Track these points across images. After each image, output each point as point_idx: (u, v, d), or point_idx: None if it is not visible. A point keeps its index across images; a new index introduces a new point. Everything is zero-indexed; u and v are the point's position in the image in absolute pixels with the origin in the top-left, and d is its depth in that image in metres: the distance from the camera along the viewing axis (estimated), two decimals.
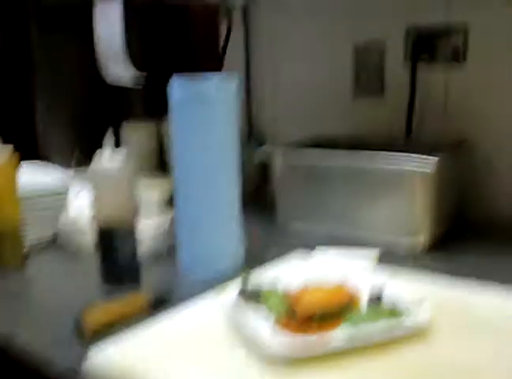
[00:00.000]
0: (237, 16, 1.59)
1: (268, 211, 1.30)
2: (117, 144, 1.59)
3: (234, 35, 1.60)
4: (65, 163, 1.59)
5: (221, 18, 1.61)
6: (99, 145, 1.67)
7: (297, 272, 0.91)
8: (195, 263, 1.02)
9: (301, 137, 1.34)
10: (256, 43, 1.59)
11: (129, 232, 0.97)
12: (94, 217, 0.97)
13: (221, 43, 1.63)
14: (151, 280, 1.00)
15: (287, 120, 1.56)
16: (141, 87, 1.51)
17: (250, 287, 0.82)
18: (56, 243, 1.21)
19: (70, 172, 1.51)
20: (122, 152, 0.96)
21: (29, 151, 1.67)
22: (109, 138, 0.95)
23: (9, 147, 1.06)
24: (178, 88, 0.97)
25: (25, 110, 1.78)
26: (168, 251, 1.11)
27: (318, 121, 1.49)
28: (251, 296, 0.80)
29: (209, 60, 1.67)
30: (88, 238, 1.14)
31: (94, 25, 1.39)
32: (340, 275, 0.84)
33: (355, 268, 0.93)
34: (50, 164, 1.45)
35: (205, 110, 0.96)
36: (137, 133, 1.60)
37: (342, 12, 1.41)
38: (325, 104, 1.49)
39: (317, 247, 1.08)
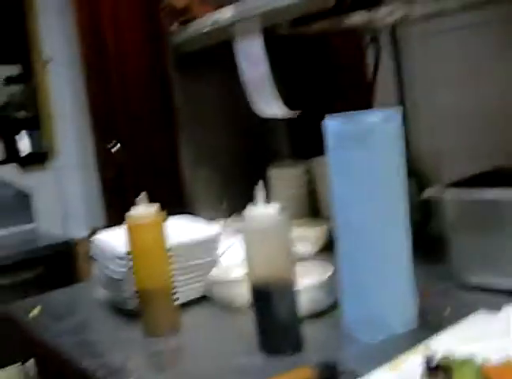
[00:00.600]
0: (385, 39, 1.45)
1: (434, 259, 1.13)
2: (265, 190, 1.54)
3: (383, 60, 1.47)
4: (212, 212, 1.54)
5: (367, 43, 1.48)
6: (247, 192, 1.61)
7: (488, 338, 0.75)
8: (361, 323, 0.90)
9: (468, 171, 1.16)
10: (409, 68, 1.44)
11: (288, 292, 0.87)
12: (248, 276, 0.88)
13: (369, 70, 1.50)
14: (313, 346, 0.88)
15: (448, 151, 1.39)
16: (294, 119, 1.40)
17: (436, 358, 0.67)
18: (207, 298, 1.14)
19: (219, 222, 1.45)
20: (275, 206, 0.86)
21: (175, 202, 1.65)
22: (260, 191, 0.86)
23: (156, 205, 1.00)
24: (335, 128, 0.86)
25: (170, 159, 1.76)
26: (329, 308, 0.99)
27: (485, 150, 1.31)
28: (439, 369, 0.66)
29: (358, 90, 1.55)
30: (240, 292, 1.05)
31: (237, 64, 1.32)
32: None
33: None
34: (197, 216, 1.40)
35: (368, 153, 0.84)
36: (285, 177, 1.50)
37: (507, 21, 1.24)
38: (491, 131, 1.30)
39: (504, 305, 0.89)
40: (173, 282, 1.02)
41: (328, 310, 0.99)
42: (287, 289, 0.87)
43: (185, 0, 1.43)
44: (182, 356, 0.97)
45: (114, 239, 1.14)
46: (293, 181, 1.51)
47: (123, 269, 1.06)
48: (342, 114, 0.89)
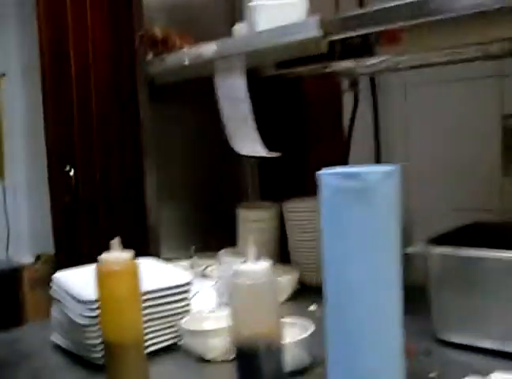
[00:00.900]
0: (364, 85, 1.44)
1: (411, 312, 1.09)
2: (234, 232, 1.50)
3: (360, 106, 1.45)
4: (177, 251, 1.48)
5: (346, 88, 1.47)
6: (214, 231, 1.55)
7: None
8: None
9: (442, 223, 1.15)
10: (387, 118, 1.43)
11: (275, 351, 0.82)
12: (231, 335, 0.83)
13: (345, 114, 1.48)
14: None
15: (424, 206, 1.38)
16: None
17: None
18: (175, 347, 1.07)
19: (185, 263, 1.39)
20: (266, 263, 0.81)
21: (136, 237, 1.58)
22: (252, 247, 0.81)
23: (130, 251, 0.93)
24: (333, 182, 0.82)
25: (131, 192, 1.70)
26: (309, 366, 0.95)
27: (463, 204, 1.31)
28: None
29: (333, 133, 1.53)
30: (214, 343, 1.01)
31: (217, 101, 1.27)
32: None
33: None
34: (160, 255, 1.34)
35: (368, 210, 0.80)
36: (254, 219, 1.45)
37: (487, 77, 1.25)
38: (469, 184, 1.31)
39: (493, 373, 0.87)
40: (144, 334, 0.95)
41: (308, 368, 0.95)
42: (274, 348, 0.82)
43: (164, 31, 1.39)
44: None
45: (78, 281, 1.06)
46: (262, 224, 1.45)
47: (90, 315, 0.98)
48: (337, 167, 0.86)
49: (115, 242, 0.91)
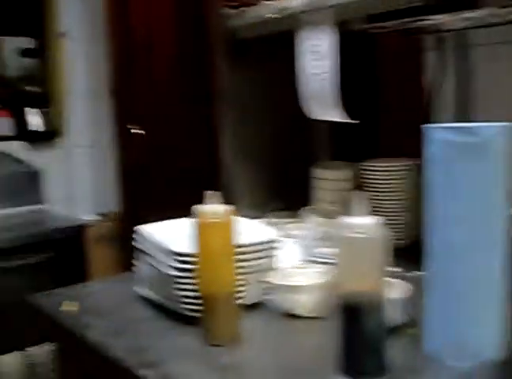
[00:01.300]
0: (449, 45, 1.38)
1: None
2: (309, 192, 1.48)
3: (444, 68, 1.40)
4: (252, 213, 1.47)
5: (427, 49, 1.42)
6: (287, 193, 1.52)
7: None
8: (449, 347, 0.84)
9: None
10: (473, 78, 1.37)
11: (379, 308, 0.80)
12: (336, 290, 0.82)
13: (425, 75, 1.43)
14: (398, 369, 0.82)
15: None
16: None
17: None
18: (265, 303, 1.06)
19: (265, 221, 1.38)
20: (375, 218, 0.79)
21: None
22: (361, 200, 0.78)
23: (230, 207, 0.92)
24: (445, 138, 0.79)
25: (212, 151, 1.68)
26: (402, 326, 0.93)
27: None
28: None
29: (409, 100, 1.48)
30: (301, 298, 1.01)
31: (297, 59, 1.24)
32: None
33: None
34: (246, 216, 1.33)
35: (483, 168, 0.77)
36: (332, 179, 1.43)
37: None
38: None
39: None
40: (237, 287, 0.95)
41: (401, 328, 0.93)
42: (376, 303, 0.80)
43: None
44: (253, 372, 0.89)
45: (166, 233, 1.06)
46: (338, 183, 1.43)
47: (182, 266, 0.98)
48: (445, 124, 0.82)
49: (213, 194, 0.90)
